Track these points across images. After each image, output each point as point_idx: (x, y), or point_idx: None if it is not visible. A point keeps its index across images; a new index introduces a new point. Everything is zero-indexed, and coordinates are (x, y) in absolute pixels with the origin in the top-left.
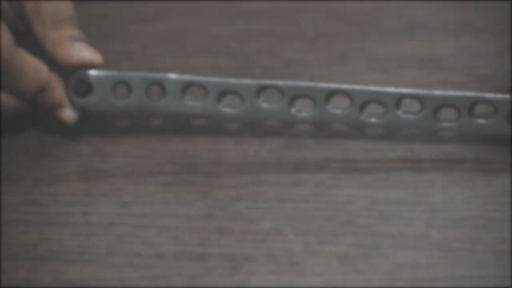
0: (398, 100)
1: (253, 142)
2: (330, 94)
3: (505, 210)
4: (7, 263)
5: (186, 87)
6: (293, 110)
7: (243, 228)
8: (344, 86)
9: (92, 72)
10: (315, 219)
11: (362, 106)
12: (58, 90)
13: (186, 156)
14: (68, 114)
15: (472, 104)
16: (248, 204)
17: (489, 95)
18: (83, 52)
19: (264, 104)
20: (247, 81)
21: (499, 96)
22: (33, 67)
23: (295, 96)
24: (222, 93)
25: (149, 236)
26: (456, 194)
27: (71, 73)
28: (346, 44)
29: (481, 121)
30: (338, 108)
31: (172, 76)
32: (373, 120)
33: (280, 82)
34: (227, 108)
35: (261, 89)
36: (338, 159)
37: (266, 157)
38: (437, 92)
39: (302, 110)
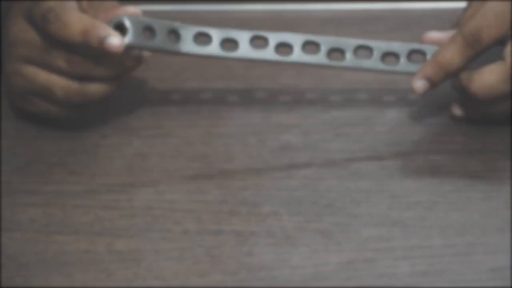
0: (356, 48)
1: (256, 145)
2: (306, 43)
3: (446, 196)
4: (71, 237)
5: (196, 35)
6: (275, 53)
7: (249, 211)
8: (314, 36)
9: (126, 18)
10: (303, 204)
11: (329, 52)
12: (101, 26)
13: (205, 156)
14: (115, 40)
15: (409, 51)
16: (252, 192)
17: (421, 45)
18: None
19: (254, 49)
20: (243, 31)
21: (428, 45)
22: (77, 15)
23: (279, 43)
24: (224, 40)
25: (178, 217)
26: (409, 184)
27: (110, 21)
28: (323, 71)
29: (415, 65)
30: (310, 54)
31: (185, 25)
32: (337, 63)
33: (266, 33)
34: (227, 51)
35: (254, 37)
36: (320, 158)
37: (266, 157)
38: (383, 42)
39: (284, 51)
